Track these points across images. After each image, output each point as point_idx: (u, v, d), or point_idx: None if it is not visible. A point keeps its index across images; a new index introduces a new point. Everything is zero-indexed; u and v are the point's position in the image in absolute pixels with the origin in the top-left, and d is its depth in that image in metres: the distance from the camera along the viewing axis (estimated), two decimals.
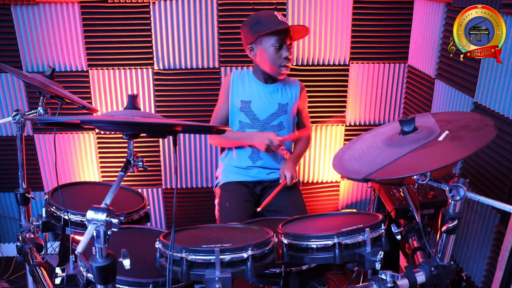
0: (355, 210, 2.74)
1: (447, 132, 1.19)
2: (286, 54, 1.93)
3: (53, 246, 2.61)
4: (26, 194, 1.85)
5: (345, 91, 2.52)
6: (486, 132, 1.15)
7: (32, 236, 1.76)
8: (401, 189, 1.78)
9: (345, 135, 2.60)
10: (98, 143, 2.55)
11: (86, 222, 1.01)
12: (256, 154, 2.07)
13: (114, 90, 2.46)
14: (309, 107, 2.46)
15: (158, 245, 1.23)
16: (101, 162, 2.57)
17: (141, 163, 1.23)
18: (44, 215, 1.70)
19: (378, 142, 1.32)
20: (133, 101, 1.20)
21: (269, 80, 2.06)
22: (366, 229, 1.24)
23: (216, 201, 2.05)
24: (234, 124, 2.09)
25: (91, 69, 2.42)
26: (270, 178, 2.08)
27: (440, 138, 1.18)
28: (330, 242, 1.24)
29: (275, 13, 1.94)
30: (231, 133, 2.08)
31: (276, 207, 1.97)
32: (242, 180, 2.07)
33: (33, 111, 1.80)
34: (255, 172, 2.08)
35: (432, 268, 1.22)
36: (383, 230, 1.29)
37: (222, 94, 2.11)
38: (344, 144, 2.61)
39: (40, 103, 1.76)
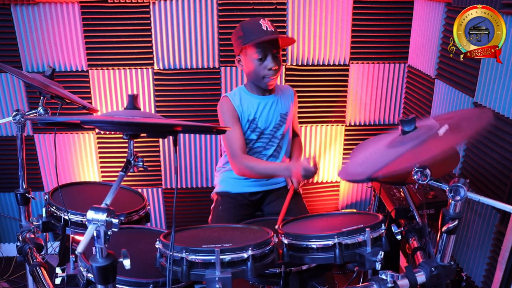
0: (355, 210, 2.74)
1: (446, 126, 1.18)
2: (271, 65, 1.85)
3: (53, 246, 2.61)
4: (26, 194, 1.84)
5: (345, 91, 2.52)
6: (484, 117, 1.15)
7: (32, 236, 1.76)
8: (401, 189, 1.78)
9: (345, 135, 2.60)
10: (98, 143, 2.54)
11: (86, 222, 1.01)
12: None
13: (114, 90, 2.46)
14: (309, 107, 2.48)
15: (158, 245, 1.23)
16: (101, 162, 2.57)
17: (141, 163, 1.23)
18: (44, 215, 1.70)
19: (380, 146, 1.32)
20: (133, 101, 1.21)
21: (266, 92, 1.98)
22: (367, 229, 1.24)
23: (212, 206, 2.02)
24: None
25: (91, 69, 2.42)
26: (270, 185, 2.04)
27: (441, 132, 1.17)
28: (330, 242, 1.24)
29: (260, 21, 1.84)
30: (260, 164, 1.96)
31: (277, 210, 1.96)
32: (241, 192, 2.01)
33: (33, 111, 1.80)
34: (254, 182, 2.02)
35: (432, 268, 1.23)
36: (383, 230, 1.29)
37: (228, 118, 1.95)
38: (344, 144, 2.61)
39: (40, 103, 1.76)
